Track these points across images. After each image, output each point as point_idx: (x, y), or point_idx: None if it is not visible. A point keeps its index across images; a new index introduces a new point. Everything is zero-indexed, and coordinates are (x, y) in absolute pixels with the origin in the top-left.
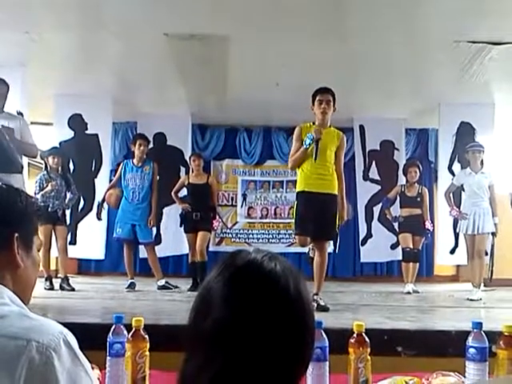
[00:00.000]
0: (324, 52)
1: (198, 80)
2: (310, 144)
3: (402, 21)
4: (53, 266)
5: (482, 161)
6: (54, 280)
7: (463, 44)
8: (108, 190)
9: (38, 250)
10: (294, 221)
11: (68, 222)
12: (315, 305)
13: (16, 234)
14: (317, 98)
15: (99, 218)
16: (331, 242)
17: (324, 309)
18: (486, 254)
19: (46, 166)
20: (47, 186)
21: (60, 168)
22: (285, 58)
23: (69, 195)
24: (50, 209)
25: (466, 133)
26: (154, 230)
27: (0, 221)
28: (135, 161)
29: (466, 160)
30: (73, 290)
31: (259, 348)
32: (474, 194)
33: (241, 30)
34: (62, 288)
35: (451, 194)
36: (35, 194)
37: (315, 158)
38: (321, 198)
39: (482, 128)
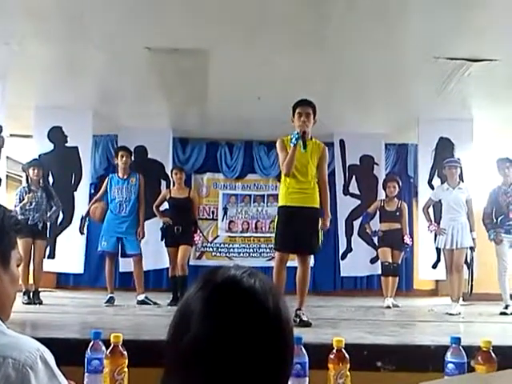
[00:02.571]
0: (305, 66)
1: (180, 94)
2: (297, 139)
3: (382, 36)
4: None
5: (459, 176)
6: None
7: (442, 60)
8: (93, 203)
9: (18, 266)
10: (274, 235)
11: (48, 235)
12: (298, 320)
13: None
14: (297, 111)
15: (82, 233)
16: (311, 256)
17: (306, 324)
18: (468, 267)
19: (27, 179)
20: (25, 198)
21: (41, 180)
22: (266, 73)
23: (53, 208)
24: (29, 222)
25: (445, 148)
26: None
27: None
28: (120, 173)
29: (444, 175)
30: (40, 303)
31: (238, 365)
32: (451, 209)
33: (222, 44)
34: (33, 301)
35: (431, 209)
36: (15, 206)
37: (304, 147)
38: (302, 212)
39: (460, 143)
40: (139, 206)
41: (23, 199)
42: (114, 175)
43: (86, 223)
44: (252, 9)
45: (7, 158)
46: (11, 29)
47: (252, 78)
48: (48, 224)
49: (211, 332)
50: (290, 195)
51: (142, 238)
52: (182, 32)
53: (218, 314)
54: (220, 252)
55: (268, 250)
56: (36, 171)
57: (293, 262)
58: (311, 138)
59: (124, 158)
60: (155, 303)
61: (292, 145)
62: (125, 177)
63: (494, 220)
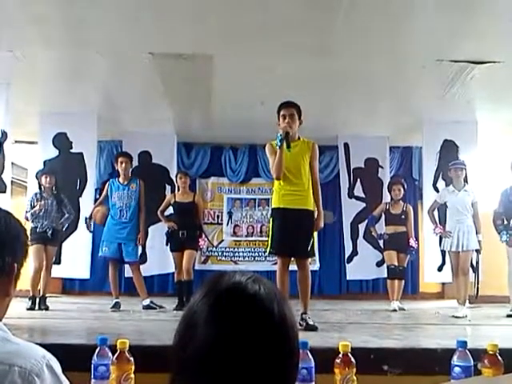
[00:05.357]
0: (308, 71)
1: (184, 99)
2: (281, 141)
3: (386, 40)
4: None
5: (465, 178)
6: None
7: (445, 63)
8: (96, 206)
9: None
10: (269, 239)
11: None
12: (304, 324)
13: (16, 264)
14: (281, 113)
15: (90, 231)
16: (316, 260)
17: (312, 328)
18: (474, 270)
19: (39, 186)
20: (37, 205)
21: (54, 188)
22: (270, 77)
23: (66, 215)
24: (38, 229)
25: (449, 150)
26: (140, 248)
27: (5, 249)
28: (121, 179)
29: (449, 177)
30: (46, 309)
31: (243, 372)
32: (457, 212)
33: (225, 49)
34: (39, 307)
35: (436, 212)
36: (26, 212)
37: (288, 147)
38: (297, 214)
39: (465, 145)
40: (139, 211)
41: (34, 206)
42: (115, 180)
43: (92, 224)
44: (256, 14)
45: (12, 164)
46: (14, 36)
47: (255, 82)
48: (59, 230)
49: (216, 339)
50: (283, 197)
51: (143, 244)
52: (185, 37)
53: (223, 321)
54: (225, 256)
55: (267, 254)
56: (48, 179)
57: (295, 265)
58: (299, 138)
59: (124, 165)
60: (160, 306)
61: (278, 146)
62: (125, 182)
63: (506, 221)
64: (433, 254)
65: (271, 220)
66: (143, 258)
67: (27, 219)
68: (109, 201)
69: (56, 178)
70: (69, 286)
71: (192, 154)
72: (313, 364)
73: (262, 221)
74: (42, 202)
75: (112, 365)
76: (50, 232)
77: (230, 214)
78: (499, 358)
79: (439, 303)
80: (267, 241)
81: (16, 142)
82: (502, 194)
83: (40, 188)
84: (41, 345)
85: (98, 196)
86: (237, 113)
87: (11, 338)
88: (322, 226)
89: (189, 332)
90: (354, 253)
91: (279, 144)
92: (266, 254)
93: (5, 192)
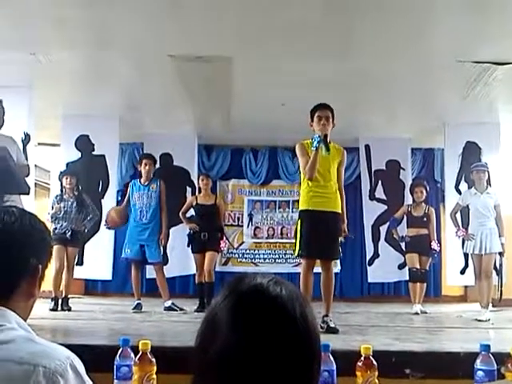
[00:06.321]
0: (329, 72)
1: (204, 101)
2: (318, 143)
3: (407, 41)
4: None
5: (487, 180)
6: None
7: (467, 64)
8: None
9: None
10: (297, 241)
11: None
12: (325, 326)
13: (40, 266)
14: (316, 114)
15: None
16: (338, 262)
17: (333, 330)
18: (497, 273)
19: (61, 188)
20: (55, 207)
21: (75, 188)
22: (290, 79)
23: (90, 215)
24: (57, 230)
25: (471, 152)
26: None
27: (29, 251)
28: (142, 180)
29: (471, 180)
30: (69, 310)
31: (264, 374)
32: (479, 214)
33: (245, 50)
34: (61, 308)
35: (458, 214)
36: (48, 214)
37: (327, 149)
38: (325, 216)
39: (487, 147)
40: (160, 212)
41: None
42: (136, 181)
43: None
44: (275, 15)
45: (35, 166)
46: (36, 38)
47: (275, 84)
48: (81, 231)
49: (237, 342)
50: (311, 199)
51: (165, 244)
52: (205, 39)
53: (244, 324)
54: (246, 258)
55: (294, 256)
56: (69, 180)
57: (318, 267)
58: (330, 142)
59: (147, 167)
60: (182, 309)
61: (314, 148)
62: (146, 183)
63: None
64: (455, 257)
65: (299, 222)
66: (164, 260)
67: (48, 221)
68: (130, 202)
69: (77, 179)
70: (91, 287)
71: (212, 156)
72: (334, 367)
73: (282, 223)
74: (62, 204)
75: (134, 365)
76: (69, 233)
77: (250, 216)
78: None
79: (462, 306)
80: (294, 243)
81: (39, 144)
82: None
83: (61, 190)
84: (63, 345)
85: (119, 198)
86: (257, 114)
87: (35, 339)
88: (346, 232)
89: (210, 334)
90: (376, 255)
91: (316, 145)
92: (295, 256)
93: (29, 194)
